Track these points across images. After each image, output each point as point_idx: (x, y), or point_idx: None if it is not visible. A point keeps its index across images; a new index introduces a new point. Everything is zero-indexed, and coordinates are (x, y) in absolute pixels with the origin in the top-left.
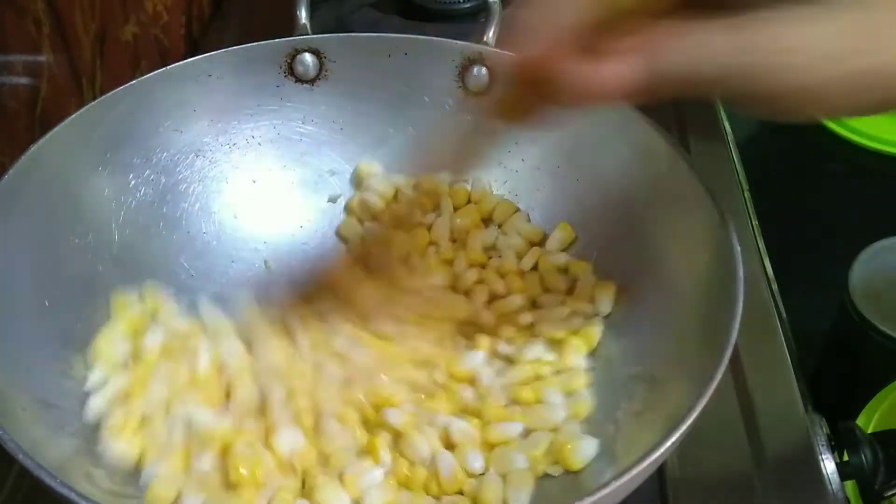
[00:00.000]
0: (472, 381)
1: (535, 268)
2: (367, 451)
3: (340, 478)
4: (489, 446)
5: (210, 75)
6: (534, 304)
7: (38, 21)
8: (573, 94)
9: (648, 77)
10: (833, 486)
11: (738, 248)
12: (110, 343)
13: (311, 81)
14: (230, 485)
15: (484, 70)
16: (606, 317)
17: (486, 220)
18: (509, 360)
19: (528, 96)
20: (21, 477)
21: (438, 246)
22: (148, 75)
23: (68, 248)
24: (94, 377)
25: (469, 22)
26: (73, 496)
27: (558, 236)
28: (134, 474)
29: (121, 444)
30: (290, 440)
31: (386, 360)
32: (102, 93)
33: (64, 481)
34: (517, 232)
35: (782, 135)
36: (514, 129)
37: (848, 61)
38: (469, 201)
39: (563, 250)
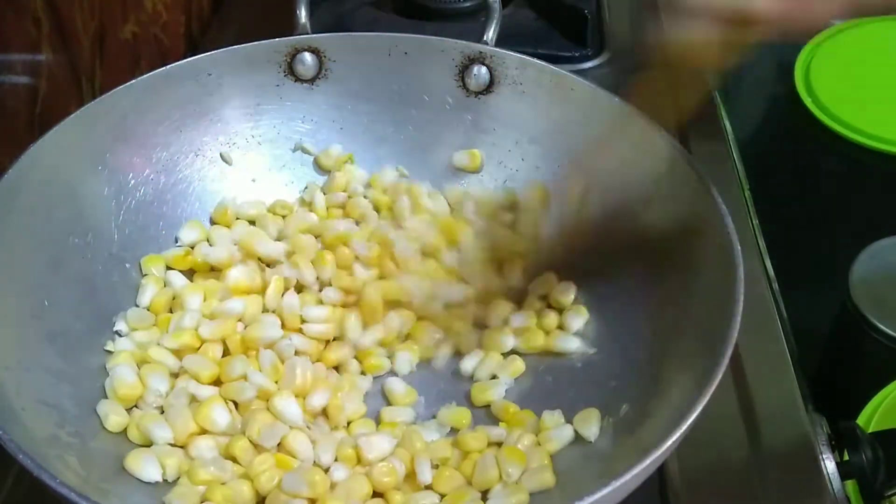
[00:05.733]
0: None
1: None
2: None
3: None
4: None
5: (210, 75)
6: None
7: (38, 20)
8: (781, 20)
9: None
10: (833, 486)
11: (739, 248)
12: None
13: (311, 81)
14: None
15: (484, 69)
16: (605, 316)
17: None
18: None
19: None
20: (21, 477)
21: None
22: (148, 75)
23: (68, 247)
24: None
25: (469, 22)
26: (72, 496)
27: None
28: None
29: None
30: None
31: None
32: (102, 92)
33: (64, 481)
34: None
35: (782, 135)
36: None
37: None
38: None
39: None
